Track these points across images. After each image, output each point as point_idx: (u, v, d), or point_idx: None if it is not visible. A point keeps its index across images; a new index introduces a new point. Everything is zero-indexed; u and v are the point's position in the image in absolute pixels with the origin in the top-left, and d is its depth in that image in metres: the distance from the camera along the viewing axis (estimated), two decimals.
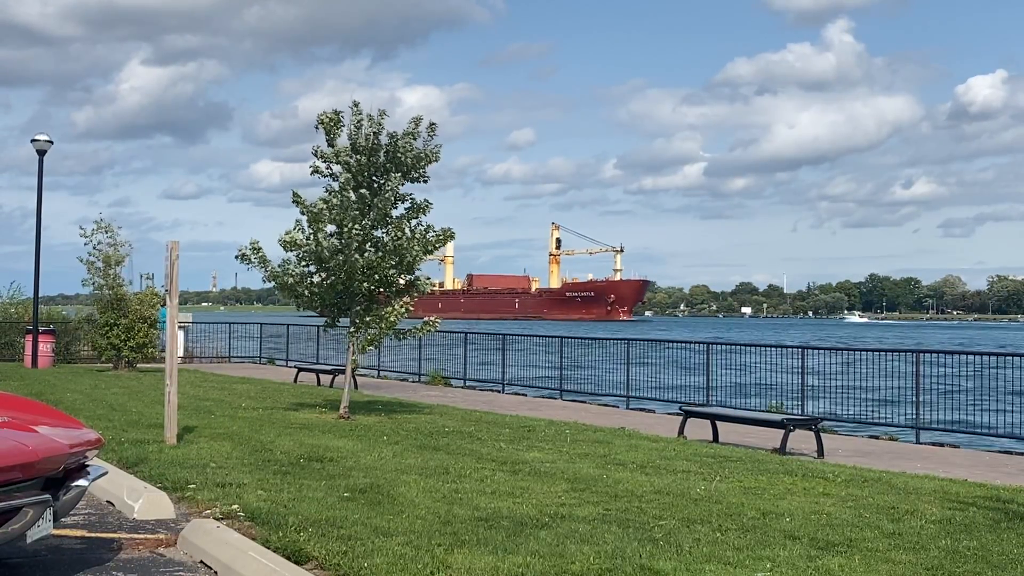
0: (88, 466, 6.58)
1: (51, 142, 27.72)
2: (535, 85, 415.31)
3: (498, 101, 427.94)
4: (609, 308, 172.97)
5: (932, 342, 69.66)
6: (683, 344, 21.31)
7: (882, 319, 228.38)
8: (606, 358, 21.82)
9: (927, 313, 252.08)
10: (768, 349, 19.77)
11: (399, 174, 15.20)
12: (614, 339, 22.33)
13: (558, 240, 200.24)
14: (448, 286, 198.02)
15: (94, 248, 25.05)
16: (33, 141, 27.50)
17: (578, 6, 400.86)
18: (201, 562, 6.84)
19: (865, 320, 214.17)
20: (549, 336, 24.48)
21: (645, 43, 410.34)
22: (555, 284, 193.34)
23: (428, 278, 16.72)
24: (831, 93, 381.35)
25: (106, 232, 25.07)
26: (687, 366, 20.49)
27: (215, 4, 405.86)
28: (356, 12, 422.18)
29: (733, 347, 19.92)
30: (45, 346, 27.39)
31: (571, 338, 23.64)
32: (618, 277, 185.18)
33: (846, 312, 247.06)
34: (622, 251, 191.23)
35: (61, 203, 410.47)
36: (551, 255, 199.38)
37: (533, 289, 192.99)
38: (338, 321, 16.39)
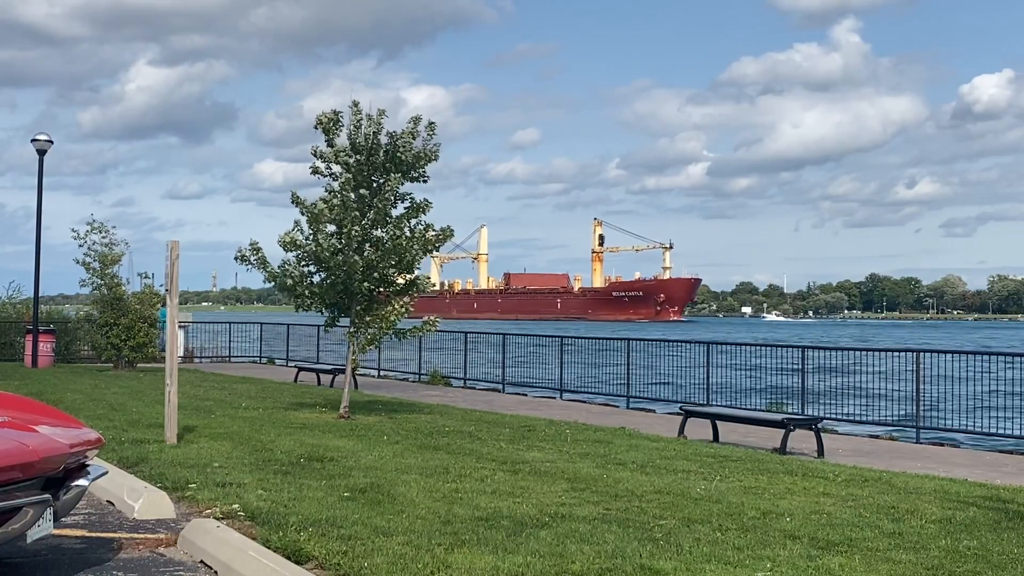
0: (88, 466, 6.58)
1: (51, 142, 27.69)
2: (541, 85, 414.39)
3: (503, 101, 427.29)
4: (659, 308, 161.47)
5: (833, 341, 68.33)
6: (683, 344, 21.28)
7: (801, 318, 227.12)
8: (606, 357, 21.80)
9: (927, 313, 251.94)
10: (768, 349, 19.75)
11: (399, 174, 15.22)
12: (615, 339, 22.32)
13: (601, 237, 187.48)
14: (483, 285, 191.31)
15: (89, 249, 25.12)
16: (33, 141, 27.48)
17: (585, 7, 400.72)
18: (201, 562, 6.84)
19: (782, 319, 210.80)
20: (549, 336, 24.48)
21: (651, 44, 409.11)
22: (599, 283, 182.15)
23: (428, 277, 16.74)
24: (836, 93, 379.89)
25: (100, 232, 25.14)
26: (688, 365, 20.45)
27: (222, 5, 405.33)
28: (363, 13, 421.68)
29: (734, 347, 19.91)
30: (45, 346, 27.37)
31: (572, 338, 23.63)
32: (667, 275, 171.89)
33: (765, 311, 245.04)
34: (671, 247, 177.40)
35: (64, 203, 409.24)
36: (594, 252, 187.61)
37: (576, 288, 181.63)
38: (338, 321, 16.41)
